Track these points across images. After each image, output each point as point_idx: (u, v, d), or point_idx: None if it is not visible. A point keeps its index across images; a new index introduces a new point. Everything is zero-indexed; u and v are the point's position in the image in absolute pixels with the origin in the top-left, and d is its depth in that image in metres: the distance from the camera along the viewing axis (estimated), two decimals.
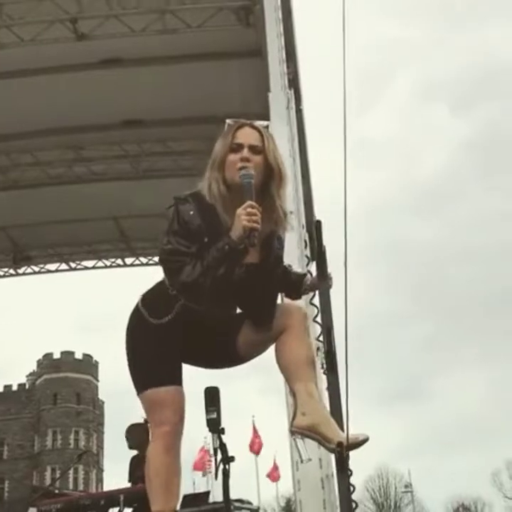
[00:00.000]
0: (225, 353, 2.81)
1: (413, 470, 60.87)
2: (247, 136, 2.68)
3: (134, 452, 6.52)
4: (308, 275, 3.14)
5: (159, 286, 2.75)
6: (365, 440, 2.59)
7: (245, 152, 2.64)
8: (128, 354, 2.78)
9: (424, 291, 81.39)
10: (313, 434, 2.62)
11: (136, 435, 6.29)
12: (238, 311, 2.83)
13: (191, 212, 2.61)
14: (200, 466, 34.54)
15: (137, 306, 2.77)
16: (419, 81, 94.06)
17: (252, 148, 2.65)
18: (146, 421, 7.06)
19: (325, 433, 2.59)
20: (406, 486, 50.86)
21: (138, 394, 2.74)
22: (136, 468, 6.27)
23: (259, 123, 2.76)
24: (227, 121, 2.77)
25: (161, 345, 2.68)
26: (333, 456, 3.35)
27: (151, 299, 2.75)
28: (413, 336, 78.20)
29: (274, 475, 39.61)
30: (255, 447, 35.87)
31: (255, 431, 36.51)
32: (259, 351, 2.83)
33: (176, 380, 2.73)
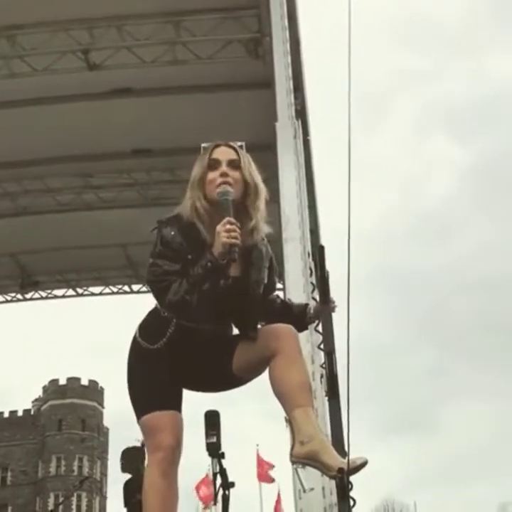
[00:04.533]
0: (223, 375, 2.82)
1: (419, 502, 60.07)
2: (223, 153, 2.74)
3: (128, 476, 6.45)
4: (310, 304, 3.14)
5: (152, 312, 2.81)
6: (364, 463, 2.52)
7: (224, 167, 2.69)
8: (127, 382, 2.81)
9: (427, 320, 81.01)
10: (313, 463, 2.58)
11: (131, 459, 6.24)
12: (235, 332, 2.86)
13: (172, 233, 2.67)
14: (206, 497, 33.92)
15: (134, 334, 2.83)
16: (419, 108, 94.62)
17: (231, 163, 2.71)
18: (142, 445, 7.00)
19: (325, 460, 2.54)
20: None
21: (137, 420, 2.76)
22: (133, 494, 6.21)
23: (234, 142, 2.83)
24: (202, 145, 2.82)
25: (156, 371, 2.72)
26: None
27: (146, 326, 2.81)
28: (416, 366, 77.66)
29: (277, 509, 38.81)
30: (262, 477, 35.21)
31: (260, 459, 35.84)
32: (256, 372, 2.81)
33: (173, 405, 2.74)
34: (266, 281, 2.87)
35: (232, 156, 2.73)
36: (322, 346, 4.27)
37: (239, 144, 2.83)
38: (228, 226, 2.52)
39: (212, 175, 2.69)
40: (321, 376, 5.83)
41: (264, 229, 2.80)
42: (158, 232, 2.73)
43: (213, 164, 2.70)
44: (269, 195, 2.81)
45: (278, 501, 37.13)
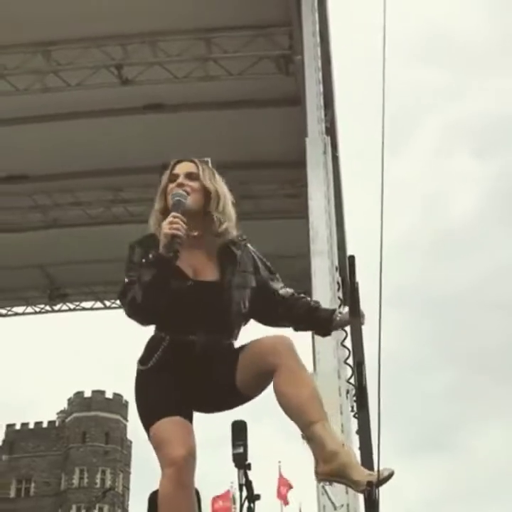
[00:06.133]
0: (224, 392, 2.78)
1: None
2: (182, 167, 2.88)
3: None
4: (338, 311, 3.08)
5: (149, 339, 2.86)
6: (391, 474, 2.46)
7: (181, 178, 2.83)
8: (137, 410, 2.80)
9: (446, 338, 79.95)
10: (340, 479, 2.53)
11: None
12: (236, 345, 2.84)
13: (136, 248, 2.79)
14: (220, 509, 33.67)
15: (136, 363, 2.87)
16: (443, 126, 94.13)
17: (188, 176, 2.84)
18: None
19: (353, 476, 2.49)
20: None
21: (148, 437, 2.71)
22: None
23: (201, 158, 2.96)
24: (171, 162, 2.95)
25: (155, 385, 2.72)
26: (361, 502, 3.27)
27: (142, 352, 2.84)
28: (436, 385, 76.53)
29: None
30: (282, 494, 34.94)
31: (281, 477, 35.46)
32: (258, 388, 2.77)
33: (179, 411, 2.68)
34: (254, 284, 2.88)
35: (192, 169, 2.86)
36: (349, 361, 4.22)
37: (205, 159, 2.96)
38: (171, 219, 2.61)
39: (171, 185, 2.83)
40: (347, 392, 5.77)
41: (233, 232, 2.86)
42: (127, 253, 2.85)
43: (173, 178, 2.85)
44: (233, 198, 2.90)
45: None
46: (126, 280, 2.73)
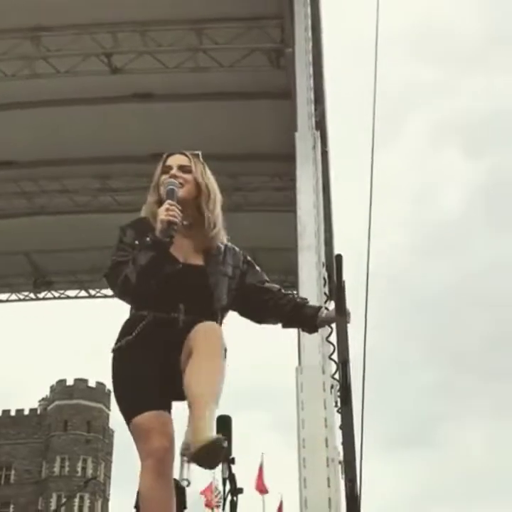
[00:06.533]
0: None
1: None
2: (175, 159, 2.97)
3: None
4: (324, 308, 3.15)
5: (124, 322, 2.88)
6: (214, 441, 2.48)
7: (174, 170, 2.93)
8: (114, 394, 2.80)
9: (433, 336, 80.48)
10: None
11: None
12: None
13: (128, 231, 2.89)
14: (210, 503, 33.78)
15: (112, 352, 2.85)
16: (431, 123, 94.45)
17: (181, 168, 2.93)
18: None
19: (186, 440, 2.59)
20: None
21: (128, 427, 2.72)
22: None
23: (191, 151, 3.04)
24: (164, 155, 3.04)
25: (131, 369, 2.73)
26: (343, 496, 3.28)
27: (118, 334, 2.86)
28: (418, 382, 77.12)
29: None
30: (259, 488, 35.02)
31: (261, 470, 35.53)
32: None
33: (157, 405, 2.69)
34: (237, 278, 2.96)
35: (184, 162, 2.96)
36: (333, 356, 4.24)
37: (196, 152, 3.04)
38: (167, 206, 2.73)
39: (164, 177, 2.92)
40: (331, 387, 5.81)
41: (223, 239, 2.97)
42: (118, 235, 2.93)
43: (166, 170, 2.94)
44: (224, 203, 2.98)
45: (280, 509, 36.82)
46: (115, 259, 2.82)
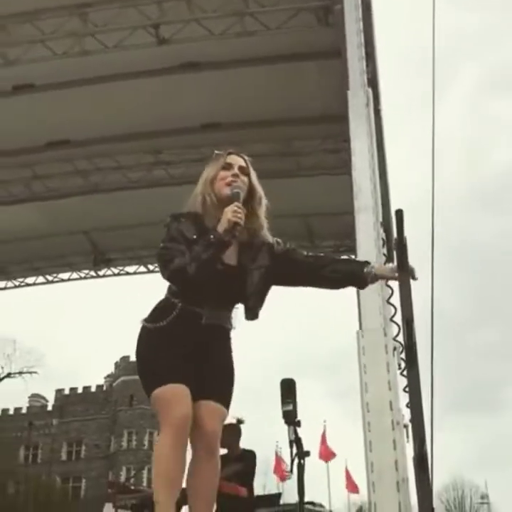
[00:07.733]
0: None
1: (491, 482, 59.02)
2: (236, 159, 3.18)
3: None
4: (373, 263, 3.17)
5: (159, 303, 3.11)
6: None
7: (236, 170, 3.13)
8: (137, 363, 3.04)
9: (490, 294, 78.62)
10: None
11: (228, 435, 6.32)
12: None
13: (181, 221, 3.05)
14: (279, 472, 34.16)
15: (142, 325, 3.10)
16: (486, 72, 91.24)
17: (241, 169, 3.15)
18: (238, 421, 7.04)
19: None
20: (482, 498, 49.34)
21: (148, 394, 2.97)
22: (222, 468, 6.27)
23: (243, 155, 3.25)
24: (215, 151, 3.26)
25: (161, 347, 2.95)
26: (410, 459, 3.23)
27: (152, 313, 3.09)
28: (480, 342, 75.69)
29: (351, 486, 38.60)
30: (324, 455, 35.18)
31: (324, 438, 35.67)
32: None
33: (179, 379, 2.91)
34: (268, 262, 3.10)
35: (242, 163, 3.17)
36: (394, 318, 4.15)
37: (247, 159, 3.25)
38: (235, 208, 2.92)
39: (223, 174, 3.11)
40: (394, 349, 5.73)
41: (268, 234, 3.15)
42: (168, 223, 3.08)
43: (227, 167, 3.14)
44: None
45: (348, 476, 36.99)
46: (168, 246, 2.98)
